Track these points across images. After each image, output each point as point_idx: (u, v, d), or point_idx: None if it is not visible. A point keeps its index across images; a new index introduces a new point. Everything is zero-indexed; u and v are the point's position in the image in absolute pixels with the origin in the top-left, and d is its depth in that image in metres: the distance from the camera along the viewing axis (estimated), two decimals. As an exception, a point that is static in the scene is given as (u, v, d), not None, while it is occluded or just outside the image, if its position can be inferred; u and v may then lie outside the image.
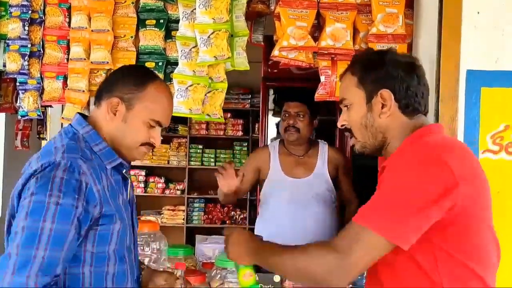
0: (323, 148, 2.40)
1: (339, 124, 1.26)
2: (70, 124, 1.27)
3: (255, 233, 2.30)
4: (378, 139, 1.20)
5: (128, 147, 1.26)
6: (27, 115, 2.08)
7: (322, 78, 1.95)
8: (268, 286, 1.72)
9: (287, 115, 2.34)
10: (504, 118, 1.75)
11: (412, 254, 1.08)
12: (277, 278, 1.68)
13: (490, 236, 1.17)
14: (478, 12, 1.75)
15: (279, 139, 2.49)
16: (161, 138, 1.31)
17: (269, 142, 4.15)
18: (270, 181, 2.37)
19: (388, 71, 1.18)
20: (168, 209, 5.04)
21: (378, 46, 1.87)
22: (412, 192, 1.04)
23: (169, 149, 5.07)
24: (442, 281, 1.08)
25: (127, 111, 1.23)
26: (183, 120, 4.94)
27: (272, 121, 4.37)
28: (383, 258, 1.11)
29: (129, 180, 1.33)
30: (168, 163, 5.07)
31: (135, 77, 1.28)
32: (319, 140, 2.48)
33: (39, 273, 1.05)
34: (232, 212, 5.09)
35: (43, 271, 1.05)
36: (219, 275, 1.67)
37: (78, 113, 1.29)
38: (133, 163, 1.40)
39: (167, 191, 5.07)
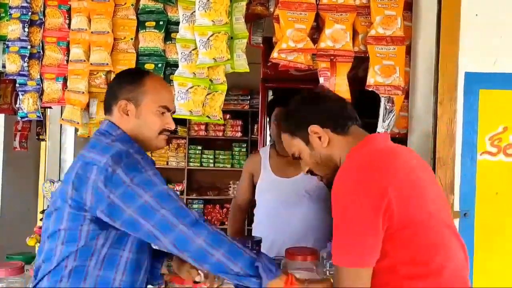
0: None
1: (303, 172, 1.41)
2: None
3: (253, 234, 2.33)
4: (332, 166, 1.32)
5: (149, 139, 1.40)
6: (27, 117, 2.08)
7: (321, 80, 1.95)
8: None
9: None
10: (503, 120, 1.76)
11: None
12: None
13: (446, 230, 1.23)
14: (477, 15, 1.76)
15: (271, 144, 2.52)
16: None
17: (267, 143, 4.16)
18: (261, 183, 2.41)
19: (302, 111, 1.35)
20: (167, 210, 5.03)
21: (377, 48, 1.88)
22: (356, 217, 1.14)
23: (168, 150, 5.07)
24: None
25: (137, 108, 1.38)
26: (182, 121, 4.94)
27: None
28: None
29: None
30: (167, 164, 5.08)
31: (130, 77, 1.45)
32: None
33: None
34: (231, 213, 5.09)
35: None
36: (217, 277, 1.67)
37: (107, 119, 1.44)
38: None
39: (166, 192, 5.07)
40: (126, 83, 1.41)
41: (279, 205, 2.31)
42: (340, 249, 1.17)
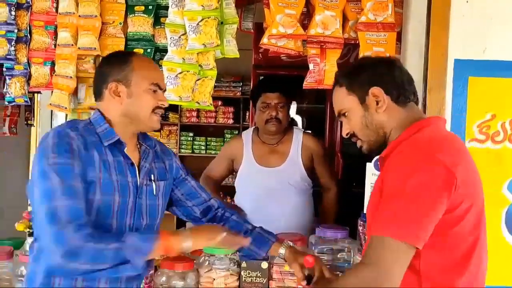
0: (298, 135, 2.34)
1: (344, 134, 1.33)
2: None
3: None
4: (380, 134, 1.27)
5: (144, 118, 1.36)
6: (14, 101, 2.06)
7: (311, 66, 1.95)
8: (256, 272, 1.73)
9: (266, 106, 2.27)
10: (491, 108, 1.77)
11: None
12: (264, 265, 1.69)
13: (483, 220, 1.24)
14: (467, 1, 1.76)
15: (253, 127, 2.44)
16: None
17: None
18: (243, 171, 2.33)
19: (370, 71, 1.28)
20: (159, 197, 5.04)
21: (367, 35, 1.87)
22: (418, 194, 1.10)
23: (160, 136, 5.05)
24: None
25: (128, 88, 1.35)
26: (173, 108, 4.92)
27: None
28: None
29: (136, 166, 1.38)
30: (159, 150, 5.06)
31: (117, 58, 1.41)
32: (294, 127, 2.43)
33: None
34: (223, 200, 5.10)
35: None
36: (207, 262, 1.68)
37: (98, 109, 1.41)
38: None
39: (157, 179, 5.07)
40: (114, 64, 1.37)
41: (261, 196, 2.23)
42: (394, 220, 1.10)
